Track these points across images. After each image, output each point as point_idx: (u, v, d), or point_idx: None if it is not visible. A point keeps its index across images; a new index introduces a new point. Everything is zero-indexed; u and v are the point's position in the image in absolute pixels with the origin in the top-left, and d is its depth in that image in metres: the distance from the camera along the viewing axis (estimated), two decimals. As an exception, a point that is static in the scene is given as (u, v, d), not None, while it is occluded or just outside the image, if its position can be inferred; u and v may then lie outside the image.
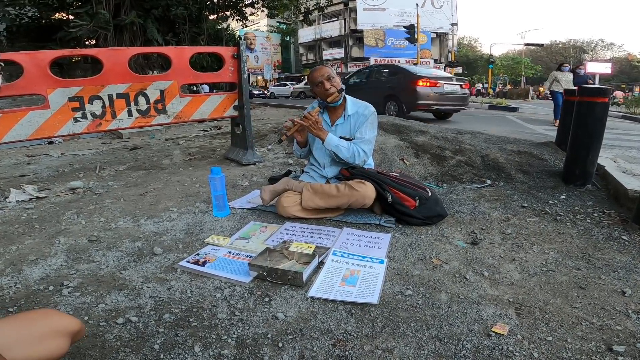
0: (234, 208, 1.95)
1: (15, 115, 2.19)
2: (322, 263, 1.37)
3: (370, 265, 1.36)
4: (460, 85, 6.86)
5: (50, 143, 5.11)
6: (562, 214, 1.88)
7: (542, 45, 32.59)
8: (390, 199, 1.60)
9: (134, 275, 1.34)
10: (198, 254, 1.48)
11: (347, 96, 1.88)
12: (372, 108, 1.86)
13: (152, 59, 8.32)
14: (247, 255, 1.45)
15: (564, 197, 2.09)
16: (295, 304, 1.15)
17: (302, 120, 1.75)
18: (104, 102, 2.42)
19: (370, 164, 1.91)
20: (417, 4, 17.72)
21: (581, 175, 2.20)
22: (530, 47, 33.06)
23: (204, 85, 13.13)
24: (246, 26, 16.07)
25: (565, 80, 6.45)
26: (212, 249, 1.52)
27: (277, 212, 1.80)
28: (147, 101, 2.56)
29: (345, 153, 1.77)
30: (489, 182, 2.26)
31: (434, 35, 25.35)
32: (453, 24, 25.64)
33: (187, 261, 1.42)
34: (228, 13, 11.65)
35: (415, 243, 1.54)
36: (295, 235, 1.60)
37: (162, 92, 2.61)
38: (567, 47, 39.86)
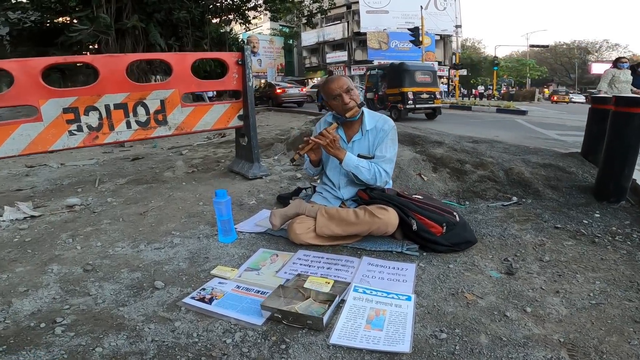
0: (241, 232, 1.80)
1: (7, 129, 2.06)
2: (342, 301, 1.22)
3: (396, 303, 1.20)
4: (298, 89, 14.16)
5: (51, 152, 4.99)
6: (599, 235, 1.71)
7: (547, 46, 32.34)
8: (415, 227, 1.45)
9: (133, 313, 1.20)
10: (204, 289, 1.33)
11: (364, 109, 1.72)
12: (391, 122, 1.70)
13: (154, 63, 8.23)
14: (258, 291, 1.30)
15: (599, 215, 1.92)
16: (316, 353, 1.01)
17: (318, 139, 1.58)
18: (100, 114, 2.28)
19: (389, 184, 1.75)
20: (421, 6, 17.58)
21: (615, 191, 2.03)
22: (535, 48, 32.84)
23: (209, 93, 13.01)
24: (249, 29, 16.04)
25: (625, 81, 5.03)
26: (219, 283, 1.37)
27: (288, 238, 1.65)
28: (147, 112, 2.43)
29: (366, 174, 1.60)
30: (515, 199, 2.10)
31: (438, 38, 25.17)
32: (457, 26, 25.47)
33: (192, 297, 1.28)
34: (231, 17, 11.58)
35: (444, 274, 1.38)
36: (309, 266, 1.44)
37: (162, 102, 2.47)
38: (572, 49, 39.54)
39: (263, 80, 18.26)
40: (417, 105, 7.94)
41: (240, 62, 2.71)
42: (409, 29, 14.29)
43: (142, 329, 1.12)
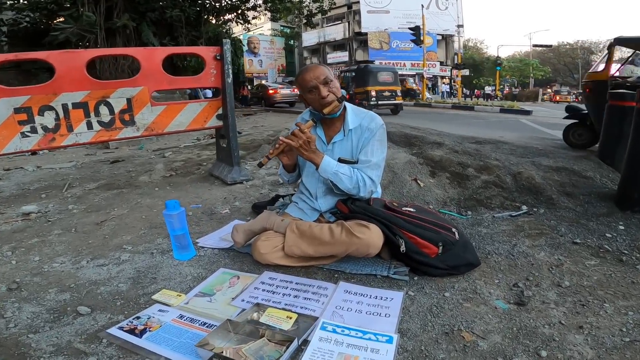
0: (203, 247, 1.54)
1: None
2: (305, 342, 0.96)
3: (373, 347, 0.94)
4: (290, 90, 13.28)
5: (33, 154, 4.82)
6: (626, 252, 1.44)
7: (550, 46, 31.89)
8: (403, 247, 1.18)
9: (43, 342, 1.00)
10: (138, 317, 1.08)
11: (347, 104, 1.43)
12: (379, 120, 1.41)
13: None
14: (204, 323, 1.05)
15: (623, 227, 1.65)
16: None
17: (289, 139, 1.31)
18: (57, 114, 2.04)
19: (378, 192, 1.48)
20: (422, 5, 17.32)
21: (641, 198, 1.75)
22: (538, 48, 32.40)
23: (207, 90, 12.80)
24: (249, 30, 15.91)
25: None
26: (159, 311, 1.12)
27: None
28: (111, 111, 2.18)
29: (347, 183, 1.32)
30: (525, 208, 1.82)
31: (440, 37, 24.85)
32: (459, 26, 25.15)
33: (120, 327, 1.04)
34: (230, 16, 11.43)
35: (438, 306, 1.12)
36: (274, 292, 1.18)
37: (129, 101, 2.22)
38: (575, 49, 39.00)
39: (264, 81, 18.16)
40: (379, 102, 8.89)
41: (218, 57, 2.46)
42: (410, 28, 14.03)
43: (47, 362, 0.91)
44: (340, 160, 1.37)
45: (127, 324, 1.05)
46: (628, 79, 3.94)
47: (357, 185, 1.31)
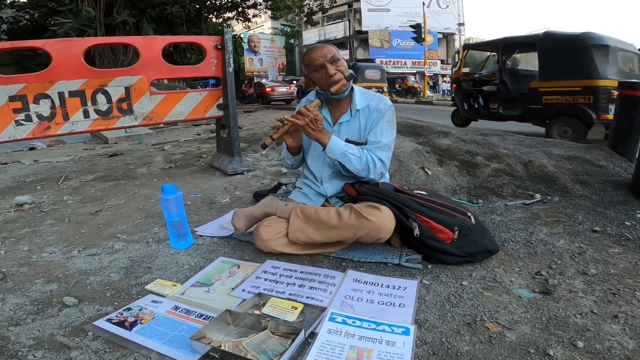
0: (201, 236, 1.46)
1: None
2: (312, 334, 0.88)
3: (389, 339, 0.86)
4: (286, 88, 14.11)
5: (31, 149, 4.77)
6: (648, 240, 1.36)
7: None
8: (417, 232, 1.09)
9: (23, 335, 0.92)
10: (129, 309, 1.01)
11: (354, 85, 1.37)
12: (388, 101, 1.34)
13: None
14: (201, 315, 0.97)
15: (642, 216, 1.56)
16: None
17: (295, 118, 1.23)
18: (53, 102, 1.98)
19: (386, 177, 1.40)
20: (423, 3, 17.24)
21: (659, 187, 1.67)
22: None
23: (212, 81, 12.75)
24: (249, 28, 15.90)
25: None
26: (152, 302, 1.04)
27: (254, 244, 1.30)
28: (109, 100, 2.11)
29: (356, 164, 1.24)
30: (538, 196, 1.74)
31: (441, 36, 24.75)
32: (460, 24, 25.04)
33: (109, 319, 0.96)
34: (230, 14, 11.38)
35: (456, 295, 1.03)
36: (277, 282, 1.10)
37: (127, 89, 2.15)
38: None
39: (263, 80, 18.14)
40: None
41: (219, 47, 2.39)
42: (410, 26, 13.97)
43: (25, 356, 0.85)
44: (347, 141, 1.29)
45: (116, 316, 0.97)
46: (475, 75, 5.55)
47: (367, 166, 1.23)
